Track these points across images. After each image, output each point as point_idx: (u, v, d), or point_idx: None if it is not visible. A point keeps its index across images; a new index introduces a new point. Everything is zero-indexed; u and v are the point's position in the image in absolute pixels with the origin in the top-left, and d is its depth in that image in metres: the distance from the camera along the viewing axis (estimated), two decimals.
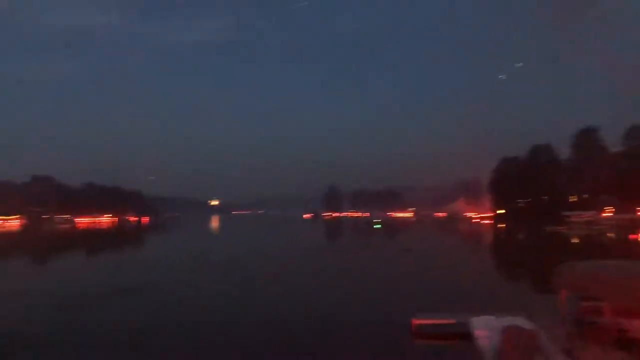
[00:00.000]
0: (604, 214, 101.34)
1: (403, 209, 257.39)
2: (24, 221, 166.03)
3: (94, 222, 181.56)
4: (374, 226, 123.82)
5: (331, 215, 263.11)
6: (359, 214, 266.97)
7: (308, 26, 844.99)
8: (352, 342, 15.73)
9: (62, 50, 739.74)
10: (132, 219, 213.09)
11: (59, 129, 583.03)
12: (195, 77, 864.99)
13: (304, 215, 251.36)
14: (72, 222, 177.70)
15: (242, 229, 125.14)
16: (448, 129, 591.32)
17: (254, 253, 51.33)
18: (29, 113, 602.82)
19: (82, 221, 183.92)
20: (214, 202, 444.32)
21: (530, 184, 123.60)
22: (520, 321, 11.36)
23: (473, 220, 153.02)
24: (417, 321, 16.10)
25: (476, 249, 57.95)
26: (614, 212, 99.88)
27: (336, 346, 15.43)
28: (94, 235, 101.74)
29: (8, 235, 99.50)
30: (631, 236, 66.58)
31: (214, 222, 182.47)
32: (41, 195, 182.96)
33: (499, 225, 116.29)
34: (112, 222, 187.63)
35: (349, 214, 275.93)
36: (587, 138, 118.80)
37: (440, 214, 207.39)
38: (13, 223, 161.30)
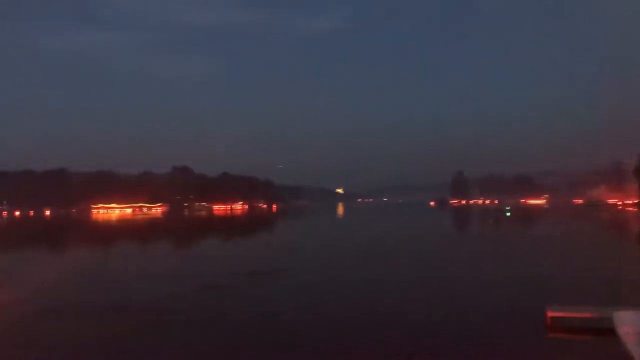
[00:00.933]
0: None
1: (536, 195, 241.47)
2: (166, 208, 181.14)
3: (228, 209, 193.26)
4: (506, 213, 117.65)
5: (458, 202, 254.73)
6: (488, 201, 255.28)
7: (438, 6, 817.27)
8: (489, 332, 14.79)
9: (202, 47, 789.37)
10: (262, 206, 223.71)
11: (197, 122, 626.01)
12: (323, 66, 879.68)
13: (430, 203, 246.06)
14: (209, 209, 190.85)
15: (367, 216, 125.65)
16: (585, 111, 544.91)
17: (384, 239, 51.03)
18: (170, 109, 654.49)
19: (218, 208, 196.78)
20: (339, 190, 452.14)
21: None
22: None
23: (617, 208, 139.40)
24: (552, 313, 14.61)
25: (619, 241, 52.32)
26: None
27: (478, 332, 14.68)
28: (229, 221, 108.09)
29: (153, 222, 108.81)
30: None
31: (339, 210, 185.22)
32: (181, 185, 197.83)
33: None
34: (245, 209, 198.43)
35: (478, 201, 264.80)
36: None
37: (578, 201, 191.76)
38: (157, 210, 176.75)
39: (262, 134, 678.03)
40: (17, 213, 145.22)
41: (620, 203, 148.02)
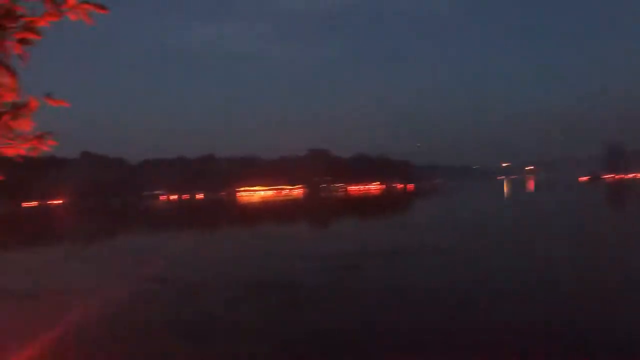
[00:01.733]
0: None
1: None
2: (305, 190, 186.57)
3: (363, 190, 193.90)
4: None
5: (613, 177, 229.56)
6: None
7: None
8: None
9: (330, 31, 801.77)
10: (398, 186, 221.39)
11: (330, 105, 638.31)
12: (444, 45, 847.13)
13: (580, 178, 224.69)
14: (345, 189, 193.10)
15: (506, 195, 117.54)
16: None
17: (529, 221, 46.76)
18: (304, 93, 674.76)
19: (354, 189, 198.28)
20: (477, 167, 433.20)
21: None
22: None
23: None
24: None
25: None
26: None
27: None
28: (365, 201, 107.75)
29: (294, 203, 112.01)
30: None
31: (477, 189, 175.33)
32: (318, 167, 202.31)
33: None
34: (380, 190, 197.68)
35: (638, 175, 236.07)
36: None
37: None
38: (296, 192, 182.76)
39: (396, 114, 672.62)
40: (174, 197, 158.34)
41: None
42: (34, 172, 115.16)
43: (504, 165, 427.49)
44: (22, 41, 5.60)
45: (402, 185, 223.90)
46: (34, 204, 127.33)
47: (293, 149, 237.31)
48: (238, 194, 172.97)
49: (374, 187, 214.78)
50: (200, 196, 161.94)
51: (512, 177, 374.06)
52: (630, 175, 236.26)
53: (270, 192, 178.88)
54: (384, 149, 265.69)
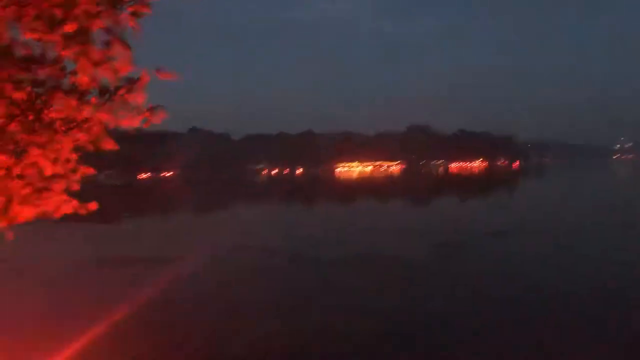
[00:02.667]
0: None
1: None
2: (403, 166, 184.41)
3: (465, 167, 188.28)
4: None
5: None
6: None
7: None
8: None
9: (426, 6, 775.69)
10: (502, 164, 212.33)
11: (430, 81, 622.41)
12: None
13: None
14: (446, 166, 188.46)
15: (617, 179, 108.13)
16: None
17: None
18: (402, 70, 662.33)
19: (455, 166, 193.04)
20: (592, 145, 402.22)
21: None
22: None
23: None
24: None
25: None
26: None
27: None
28: (462, 180, 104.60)
29: (390, 179, 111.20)
30: None
31: (588, 169, 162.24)
32: (417, 143, 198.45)
33: None
34: (482, 168, 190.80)
35: None
36: None
37: None
38: (395, 168, 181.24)
39: (502, 88, 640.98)
40: (275, 171, 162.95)
41: None
42: (146, 146, 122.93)
43: (620, 144, 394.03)
44: (134, 14, 5.82)
45: (506, 163, 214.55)
46: (147, 175, 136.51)
47: (393, 124, 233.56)
48: (336, 169, 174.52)
49: (477, 164, 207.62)
50: (299, 171, 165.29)
51: (630, 156, 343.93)
52: None
53: (368, 168, 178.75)
54: (488, 125, 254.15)
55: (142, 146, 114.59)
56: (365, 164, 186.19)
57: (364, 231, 27.74)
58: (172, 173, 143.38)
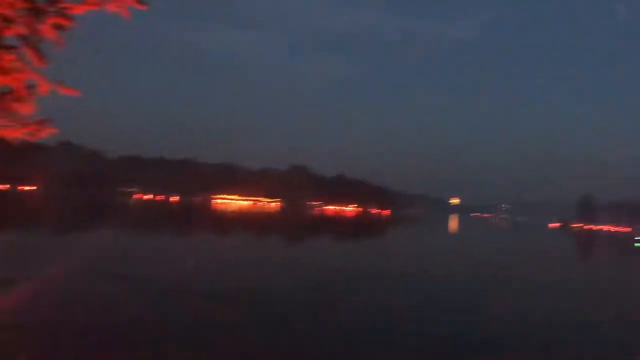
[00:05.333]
0: None
1: None
2: (282, 204, 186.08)
3: (340, 210, 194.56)
4: (635, 244, 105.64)
5: (582, 226, 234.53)
6: (618, 229, 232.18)
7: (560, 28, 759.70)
8: None
9: (329, 50, 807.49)
10: (374, 211, 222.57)
11: (320, 123, 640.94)
12: (448, 76, 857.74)
13: (549, 225, 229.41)
14: (321, 208, 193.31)
15: (474, 233, 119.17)
16: None
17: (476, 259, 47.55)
18: (295, 108, 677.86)
19: (330, 209, 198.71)
20: (454, 201, 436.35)
21: None
22: None
23: None
24: None
25: None
26: None
27: None
28: (337, 222, 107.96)
29: (269, 215, 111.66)
30: None
31: (448, 223, 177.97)
32: (297, 183, 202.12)
33: None
34: (356, 212, 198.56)
35: (606, 227, 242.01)
36: None
37: None
38: (273, 205, 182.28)
39: (382, 139, 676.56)
40: (148, 197, 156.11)
41: None
42: (10, 156, 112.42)
43: (479, 202, 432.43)
44: (56, 26, 5.41)
45: (378, 211, 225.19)
46: (4, 187, 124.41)
47: (275, 162, 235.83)
48: (214, 201, 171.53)
49: (350, 209, 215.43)
50: (175, 199, 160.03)
51: (485, 215, 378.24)
52: (598, 227, 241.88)
53: (246, 203, 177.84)
54: (368, 172, 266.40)
55: (6, 155, 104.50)
56: (244, 198, 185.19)
57: (225, 265, 27.28)
58: (34, 187, 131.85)
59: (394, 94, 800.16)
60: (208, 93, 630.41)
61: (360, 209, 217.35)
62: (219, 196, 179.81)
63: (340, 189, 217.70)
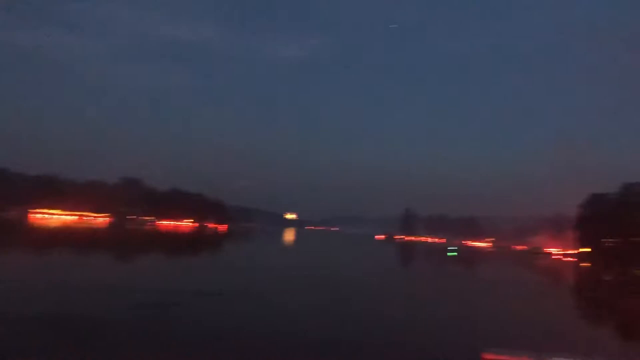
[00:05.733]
0: None
1: (481, 238, 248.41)
2: (111, 219, 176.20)
3: (174, 226, 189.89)
4: (448, 254, 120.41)
5: (404, 238, 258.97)
6: (435, 240, 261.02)
7: (405, 48, 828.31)
8: None
9: (162, 59, 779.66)
10: (211, 225, 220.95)
11: (153, 135, 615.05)
12: (284, 93, 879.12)
13: (376, 236, 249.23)
14: (154, 223, 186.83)
15: (309, 244, 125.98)
16: (533, 161, 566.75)
17: (311, 266, 51.32)
18: (126, 118, 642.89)
19: (164, 224, 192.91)
20: (291, 216, 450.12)
21: (621, 223, 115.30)
22: None
23: (554, 257, 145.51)
24: (487, 356, 15.19)
25: (557, 289, 54.92)
26: None
27: None
28: (169, 238, 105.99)
29: (93, 231, 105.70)
30: None
31: (285, 235, 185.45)
32: (129, 197, 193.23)
33: (582, 264, 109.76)
34: (192, 228, 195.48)
35: (423, 238, 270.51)
36: None
37: (520, 247, 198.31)
38: (102, 220, 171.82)
39: (219, 153, 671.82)
40: None
41: (560, 252, 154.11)
42: None
43: (315, 217, 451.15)
44: None
45: (215, 225, 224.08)
46: None
47: (105, 174, 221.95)
48: (33, 216, 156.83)
49: (186, 224, 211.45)
50: None
51: (320, 227, 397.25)
52: (418, 238, 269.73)
53: (71, 218, 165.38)
54: (205, 186, 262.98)
55: None
56: (69, 212, 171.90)
57: (51, 288, 26.48)
58: None
59: (230, 108, 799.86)
60: (27, 97, 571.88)
61: (197, 224, 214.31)
62: (38, 211, 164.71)
63: (176, 203, 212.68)
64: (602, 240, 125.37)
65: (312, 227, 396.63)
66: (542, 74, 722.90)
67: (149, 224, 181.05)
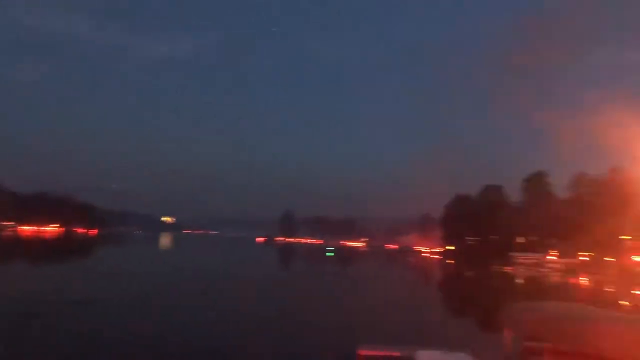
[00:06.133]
0: (549, 257, 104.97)
1: (357, 238, 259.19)
2: None
3: (38, 232, 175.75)
4: (327, 254, 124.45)
5: (284, 240, 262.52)
6: (313, 241, 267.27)
7: (289, 51, 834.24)
8: None
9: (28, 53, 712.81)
10: (80, 230, 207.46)
11: (18, 133, 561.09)
12: (159, 93, 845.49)
13: (257, 239, 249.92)
14: (15, 229, 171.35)
15: (187, 248, 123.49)
16: (405, 163, 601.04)
17: (185, 272, 51.21)
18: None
19: (27, 229, 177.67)
20: (168, 219, 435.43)
21: (481, 222, 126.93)
22: (465, 358, 11.81)
23: (422, 255, 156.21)
24: (363, 352, 16.45)
25: (423, 284, 59.44)
26: (559, 256, 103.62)
27: None
28: (28, 245, 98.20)
29: None
30: (572, 280, 69.66)
31: (161, 240, 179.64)
32: None
33: (447, 261, 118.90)
34: (58, 233, 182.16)
35: (303, 240, 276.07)
36: (536, 182, 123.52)
37: (392, 246, 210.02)
38: None
39: (94, 154, 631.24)
40: None
41: (428, 250, 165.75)
42: None
43: (193, 220, 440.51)
44: None
45: (84, 230, 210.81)
46: None
47: None
48: None
49: (52, 229, 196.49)
50: None
51: (198, 231, 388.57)
52: (298, 240, 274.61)
53: None
54: (74, 189, 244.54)
55: None
56: None
57: None
58: None
59: (108, 106, 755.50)
60: None
61: (63, 229, 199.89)
62: None
63: (40, 207, 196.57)
64: (465, 238, 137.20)
65: (189, 231, 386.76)
66: (404, 78, 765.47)
67: (9, 229, 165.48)
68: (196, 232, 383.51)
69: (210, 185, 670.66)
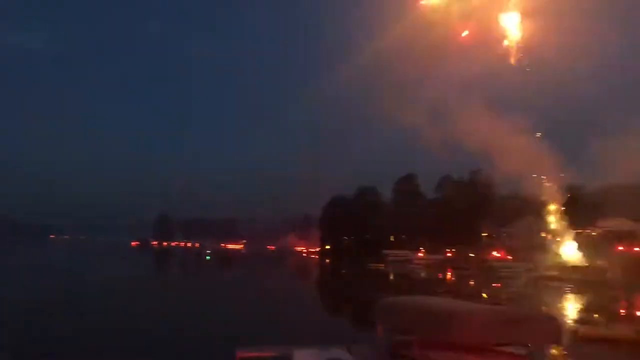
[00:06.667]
0: (419, 254, 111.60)
1: (235, 240, 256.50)
2: None
3: None
4: (207, 257, 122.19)
5: (162, 243, 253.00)
6: (191, 244, 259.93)
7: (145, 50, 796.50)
8: None
9: None
10: None
11: None
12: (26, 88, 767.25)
13: (132, 243, 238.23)
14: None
15: (47, 256, 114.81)
16: (286, 164, 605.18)
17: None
18: None
19: None
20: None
21: (355, 222, 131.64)
22: (341, 354, 12.12)
23: (302, 255, 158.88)
24: (241, 354, 16.34)
25: (299, 283, 60.65)
26: (427, 253, 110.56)
27: None
28: None
29: None
30: (439, 275, 74.91)
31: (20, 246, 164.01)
32: None
33: (325, 261, 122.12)
34: None
35: (181, 243, 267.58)
36: (406, 184, 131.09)
37: (272, 247, 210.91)
38: None
39: None
40: None
41: (305, 250, 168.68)
42: None
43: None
44: None
45: None
46: None
47: None
48: None
49: None
50: None
51: (65, 236, 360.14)
52: (174, 243, 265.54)
53: None
54: None
55: None
56: None
57: None
58: None
59: None
60: None
61: None
62: None
63: None
64: (342, 238, 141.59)
65: (58, 236, 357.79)
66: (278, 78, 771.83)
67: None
68: (64, 237, 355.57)
69: (81, 188, 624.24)
